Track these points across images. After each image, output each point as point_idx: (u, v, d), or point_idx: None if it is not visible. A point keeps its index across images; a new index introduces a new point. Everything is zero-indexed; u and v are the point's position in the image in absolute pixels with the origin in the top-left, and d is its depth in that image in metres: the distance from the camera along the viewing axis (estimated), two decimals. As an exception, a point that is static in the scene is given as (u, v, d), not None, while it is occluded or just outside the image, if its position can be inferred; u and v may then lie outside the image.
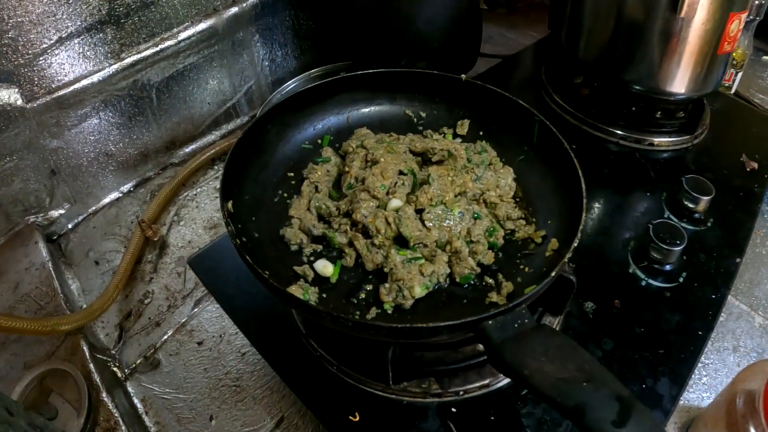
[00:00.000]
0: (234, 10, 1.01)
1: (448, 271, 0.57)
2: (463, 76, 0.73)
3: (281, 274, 0.56)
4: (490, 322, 0.46)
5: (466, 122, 0.75)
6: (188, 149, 1.07)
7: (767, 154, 1.02)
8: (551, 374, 0.42)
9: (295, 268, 0.57)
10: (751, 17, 1.23)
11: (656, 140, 0.98)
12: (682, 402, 0.71)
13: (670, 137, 0.99)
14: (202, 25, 0.98)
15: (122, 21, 0.88)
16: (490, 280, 0.57)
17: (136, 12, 0.89)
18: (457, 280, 0.57)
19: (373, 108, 0.77)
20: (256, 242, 0.58)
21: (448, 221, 0.58)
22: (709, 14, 0.85)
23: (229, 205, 0.57)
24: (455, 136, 0.74)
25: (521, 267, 0.59)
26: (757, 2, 1.20)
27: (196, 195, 0.98)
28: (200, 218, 0.94)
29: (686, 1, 0.82)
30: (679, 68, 0.91)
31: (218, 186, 0.78)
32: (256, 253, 0.54)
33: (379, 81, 0.75)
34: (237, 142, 0.61)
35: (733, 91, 1.31)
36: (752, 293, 0.87)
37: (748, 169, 0.97)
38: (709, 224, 0.86)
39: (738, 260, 0.82)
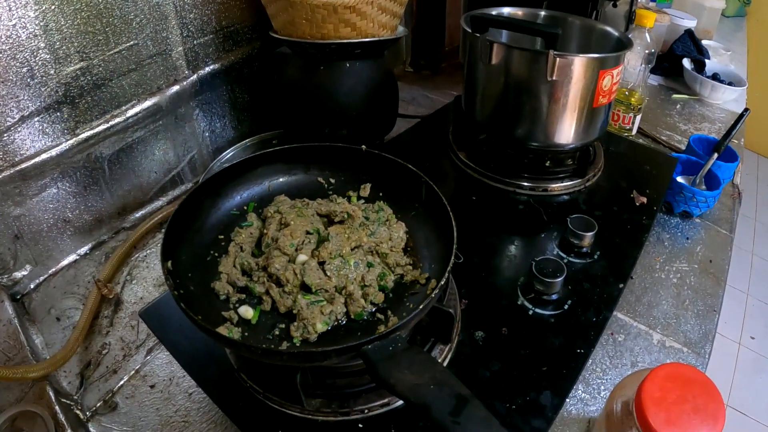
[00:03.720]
0: (176, 88, 1.15)
1: (345, 310, 0.73)
2: (364, 147, 0.90)
3: (212, 318, 0.72)
4: (369, 346, 0.61)
5: (368, 186, 0.92)
6: (138, 214, 1.19)
7: (657, 188, 1.19)
8: (410, 382, 0.58)
9: (223, 313, 0.73)
10: (643, 65, 1.45)
11: (550, 186, 1.15)
12: (583, 414, 0.84)
13: (562, 182, 1.16)
14: (148, 103, 1.11)
15: (77, 101, 1.01)
16: (381, 316, 0.74)
17: (89, 93, 1.02)
18: (353, 317, 0.73)
19: (290, 177, 0.94)
20: (192, 293, 0.73)
21: (344, 270, 0.75)
22: (579, 75, 1.02)
23: (169, 264, 0.71)
24: (359, 198, 0.91)
25: (407, 304, 0.76)
26: (647, 51, 1.43)
27: (146, 256, 1.12)
28: (150, 277, 1.08)
29: (556, 66, 0.99)
30: (561, 123, 1.08)
31: None
32: (191, 303, 0.68)
33: (294, 155, 0.92)
34: (174, 212, 0.76)
35: (634, 132, 1.52)
36: (651, 314, 1.02)
37: (637, 204, 1.14)
38: (595, 257, 1.01)
39: (621, 285, 0.95)
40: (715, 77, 1.93)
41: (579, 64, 1.01)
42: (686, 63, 1.96)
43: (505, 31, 1.23)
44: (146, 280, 1.07)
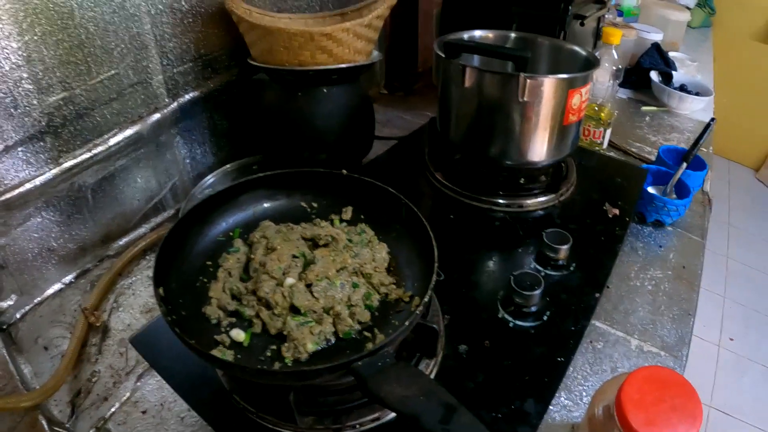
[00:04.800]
0: (156, 116, 1.18)
1: (333, 329, 0.77)
2: (344, 171, 0.95)
3: (205, 342, 0.75)
4: (359, 363, 0.65)
5: (350, 209, 0.96)
6: (122, 242, 1.21)
7: (629, 199, 1.24)
8: (399, 394, 0.62)
9: (215, 337, 0.76)
10: (612, 81, 1.52)
11: (525, 202, 1.20)
12: (566, 420, 0.87)
13: (537, 198, 1.21)
14: (129, 131, 1.13)
15: (60, 130, 1.02)
16: (368, 334, 0.78)
17: (72, 122, 1.03)
18: (341, 336, 0.77)
19: (273, 203, 0.98)
20: (184, 318, 0.76)
21: (331, 291, 0.79)
22: (548, 95, 1.07)
23: (161, 290, 0.75)
24: (341, 221, 0.96)
25: (392, 321, 0.80)
26: (614, 68, 1.50)
27: (131, 283, 1.14)
28: (137, 304, 1.09)
29: (526, 87, 1.04)
30: (533, 141, 1.13)
31: (151, 274, 0.96)
32: (184, 327, 0.71)
33: (277, 181, 0.97)
34: (163, 240, 0.79)
35: (604, 146, 1.57)
36: (628, 321, 1.05)
37: (610, 216, 1.19)
38: (571, 268, 1.05)
39: (597, 295, 1.01)
40: (682, 88, 2.00)
41: (548, 84, 1.07)
42: (654, 76, 2.04)
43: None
44: (133, 308, 1.09)
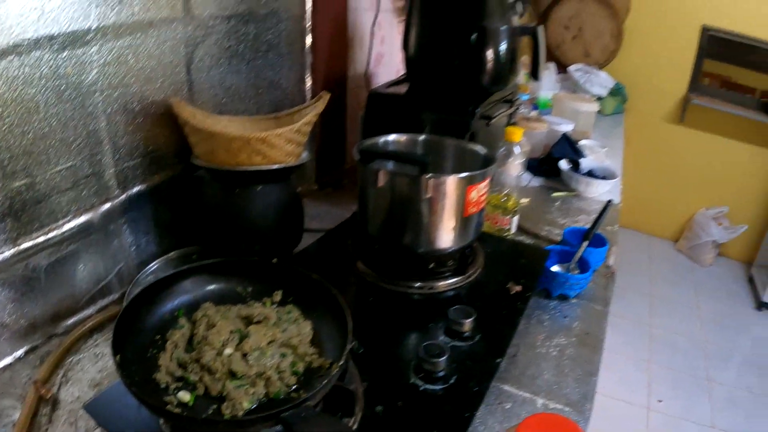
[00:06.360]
0: (107, 206, 1.34)
1: (265, 391, 0.97)
2: (275, 260, 1.17)
3: (156, 403, 0.92)
4: (286, 413, 0.85)
5: (280, 292, 1.16)
6: (70, 321, 1.33)
7: (531, 276, 1.46)
8: (321, 441, 0.83)
9: (165, 398, 0.94)
10: (517, 173, 1.78)
11: (436, 284, 1.42)
12: None
13: (447, 280, 1.43)
14: (82, 219, 1.28)
15: (20, 214, 1.15)
16: (295, 395, 0.97)
17: (31, 207, 1.17)
18: (271, 396, 0.97)
19: (214, 287, 1.18)
20: (137, 383, 0.94)
21: (263, 360, 0.99)
22: (450, 191, 1.30)
23: (118, 358, 0.92)
24: (273, 302, 1.15)
25: (315, 385, 0.98)
26: (518, 162, 1.76)
27: (80, 360, 1.26)
28: (85, 378, 1.21)
29: (429, 186, 1.28)
30: (439, 231, 1.36)
31: (97, 352, 1.10)
32: (138, 389, 0.88)
33: (217, 268, 1.18)
34: (119, 316, 0.97)
35: (512, 231, 1.81)
36: (534, 383, 1.22)
37: (512, 293, 1.39)
38: (476, 339, 1.24)
39: (498, 360, 1.18)
40: (590, 173, 2.30)
41: (449, 183, 1.31)
42: (563, 164, 2.33)
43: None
44: (81, 382, 1.21)
